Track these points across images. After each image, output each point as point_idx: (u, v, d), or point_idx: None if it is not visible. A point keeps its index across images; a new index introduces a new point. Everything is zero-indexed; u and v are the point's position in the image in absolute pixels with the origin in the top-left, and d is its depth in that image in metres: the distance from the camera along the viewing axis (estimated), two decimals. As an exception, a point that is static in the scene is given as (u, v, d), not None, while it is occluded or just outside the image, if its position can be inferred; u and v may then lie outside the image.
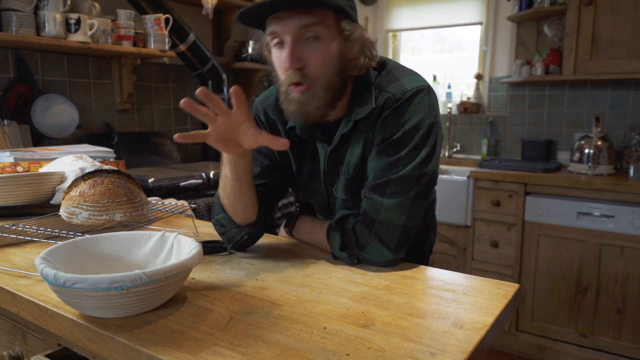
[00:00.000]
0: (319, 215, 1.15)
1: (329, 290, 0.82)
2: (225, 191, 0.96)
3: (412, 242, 0.97)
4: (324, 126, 1.00)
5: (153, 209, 1.26)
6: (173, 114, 2.74)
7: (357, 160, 0.98)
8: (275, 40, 0.90)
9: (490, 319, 0.71)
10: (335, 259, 0.98)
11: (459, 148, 3.26)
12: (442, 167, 3.11)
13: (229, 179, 0.93)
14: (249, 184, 0.95)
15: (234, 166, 0.91)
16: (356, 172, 0.99)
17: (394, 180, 0.91)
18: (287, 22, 0.87)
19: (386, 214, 0.91)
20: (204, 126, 0.86)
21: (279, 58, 0.91)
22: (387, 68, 0.98)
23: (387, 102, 0.93)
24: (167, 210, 1.29)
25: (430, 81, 3.34)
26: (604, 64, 2.44)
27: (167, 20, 2.28)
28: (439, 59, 3.45)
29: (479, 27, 3.18)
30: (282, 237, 1.17)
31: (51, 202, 1.22)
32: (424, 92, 0.93)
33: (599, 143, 2.43)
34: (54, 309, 0.73)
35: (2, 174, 1.24)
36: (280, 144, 0.84)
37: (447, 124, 3.26)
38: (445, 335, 0.66)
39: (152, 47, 2.25)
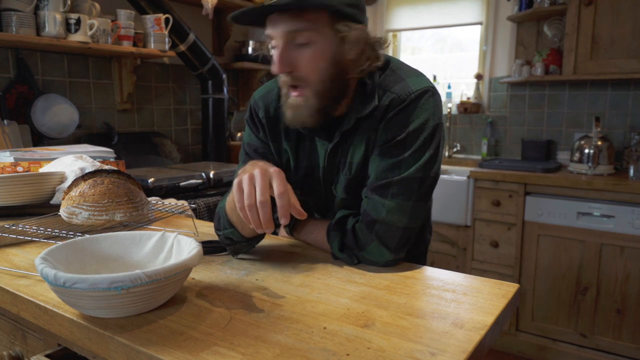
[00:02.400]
0: (315, 214, 1.15)
1: (329, 290, 0.82)
2: (236, 211, 0.91)
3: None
4: (325, 123, 1.00)
5: (153, 209, 1.26)
6: (173, 114, 2.74)
7: (360, 161, 0.97)
8: (272, 42, 0.90)
9: (490, 319, 0.71)
10: (335, 259, 0.98)
11: (459, 148, 3.26)
12: (442, 167, 3.11)
13: None
14: None
15: None
16: (358, 173, 0.98)
17: (396, 182, 0.90)
18: (277, 25, 0.87)
19: (388, 215, 0.91)
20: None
21: (274, 60, 0.91)
22: (391, 67, 0.97)
23: (392, 102, 0.92)
24: (167, 210, 1.29)
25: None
26: (604, 64, 2.44)
27: (167, 20, 2.28)
28: (439, 59, 3.45)
29: (479, 27, 3.18)
30: (282, 237, 1.17)
31: (51, 202, 1.22)
32: (429, 93, 0.92)
33: (599, 143, 2.43)
34: (54, 309, 0.73)
35: (2, 174, 1.24)
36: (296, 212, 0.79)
37: (447, 124, 3.26)
38: (445, 335, 0.66)
39: (152, 47, 2.25)
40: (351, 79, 0.94)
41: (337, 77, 0.91)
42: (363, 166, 0.97)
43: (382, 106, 0.93)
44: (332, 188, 1.05)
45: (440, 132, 0.94)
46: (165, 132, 2.70)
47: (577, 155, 2.51)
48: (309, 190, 1.09)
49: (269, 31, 0.89)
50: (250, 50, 2.96)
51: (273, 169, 0.80)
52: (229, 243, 0.98)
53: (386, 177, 0.91)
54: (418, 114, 0.91)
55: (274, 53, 0.90)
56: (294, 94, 0.91)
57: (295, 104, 0.91)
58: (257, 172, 0.78)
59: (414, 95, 0.91)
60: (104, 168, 1.18)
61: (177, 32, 2.39)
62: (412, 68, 0.99)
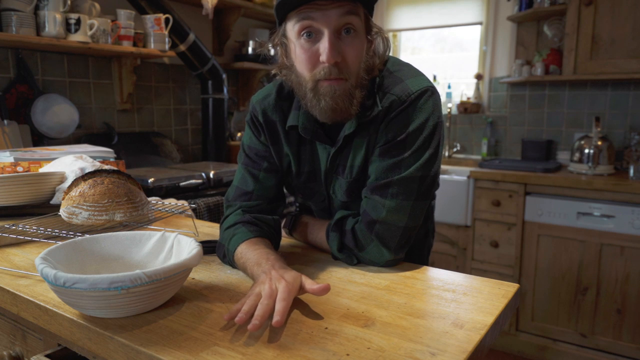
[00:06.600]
0: (318, 217, 1.15)
1: (329, 290, 0.82)
2: (243, 266, 0.89)
3: (411, 246, 0.96)
4: (326, 127, 0.99)
5: (153, 209, 1.26)
6: (173, 114, 2.74)
7: (361, 163, 0.97)
8: (306, 31, 0.86)
9: (490, 319, 0.71)
10: (334, 259, 0.98)
11: (459, 148, 3.26)
12: (442, 167, 3.11)
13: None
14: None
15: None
16: (359, 175, 0.98)
17: (396, 182, 0.90)
18: (329, 11, 0.83)
19: (387, 214, 0.91)
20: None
21: (308, 51, 0.86)
22: (389, 68, 0.96)
23: (392, 104, 0.91)
24: (167, 210, 1.29)
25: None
26: (604, 64, 2.44)
27: (167, 20, 2.28)
28: (439, 59, 3.45)
29: (479, 27, 3.18)
30: (282, 237, 1.17)
31: (51, 202, 1.22)
32: (428, 93, 0.92)
33: (599, 143, 2.43)
34: (54, 309, 0.73)
35: (2, 174, 1.24)
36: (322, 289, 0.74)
37: (447, 124, 3.26)
38: (445, 335, 0.66)
39: (152, 47, 2.25)
40: (370, 76, 0.93)
41: (367, 72, 0.91)
42: (364, 169, 0.97)
43: (383, 108, 0.92)
44: (330, 191, 1.04)
45: (439, 130, 0.93)
46: (165, 132, 2.69)
47: (577, 155, 2.51)
48: (310, 194, 1.08)
49: (311, 18, 0.84)
50: (250, 50, 2.96)
51: (283, 285, 0.73)
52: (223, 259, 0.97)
53: (386, 177, 0.91)
54: (418, 114, 0.91)
55: (314, 43, 0.85)
56: (335, 83, 0.86)
57: (339, 93, 0.87)
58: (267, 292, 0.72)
59: (414, 96, 0.91)
60: (104, 168, 1.18)
61: (177, 32, 2.39)
62: (411, 67, 0.98)
